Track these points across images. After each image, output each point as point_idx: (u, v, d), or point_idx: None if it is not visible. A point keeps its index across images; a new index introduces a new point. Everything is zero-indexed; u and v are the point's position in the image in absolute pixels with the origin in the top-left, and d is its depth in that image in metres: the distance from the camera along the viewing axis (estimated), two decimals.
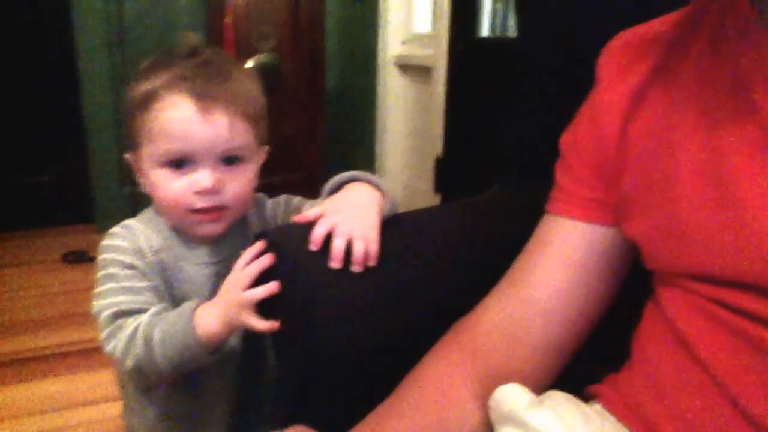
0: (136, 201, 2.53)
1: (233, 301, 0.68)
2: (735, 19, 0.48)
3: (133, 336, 0.69)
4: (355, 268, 0.66)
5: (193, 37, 0.76)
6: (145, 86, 0.73)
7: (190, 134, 0.71)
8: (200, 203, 0.73)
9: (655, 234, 0.54)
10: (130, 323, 0.70)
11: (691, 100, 0.51)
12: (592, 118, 0.60)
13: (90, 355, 1.78)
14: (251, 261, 0.69)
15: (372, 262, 0.67)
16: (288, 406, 0.75)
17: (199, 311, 0.69)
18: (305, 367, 0.69)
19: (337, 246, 0.66)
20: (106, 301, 0.72)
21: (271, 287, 0.68)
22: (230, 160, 0.74)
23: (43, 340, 1.86)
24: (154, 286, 0.74)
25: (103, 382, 1.65)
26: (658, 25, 0.58)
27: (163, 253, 0.76)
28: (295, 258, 0.68)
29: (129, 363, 0.70)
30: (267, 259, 0.69)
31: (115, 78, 2.62)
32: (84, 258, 2.44)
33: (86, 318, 1.96)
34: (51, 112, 2.74)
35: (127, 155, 0.79)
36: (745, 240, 0.45)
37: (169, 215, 0.76)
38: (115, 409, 1.53)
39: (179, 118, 0.71)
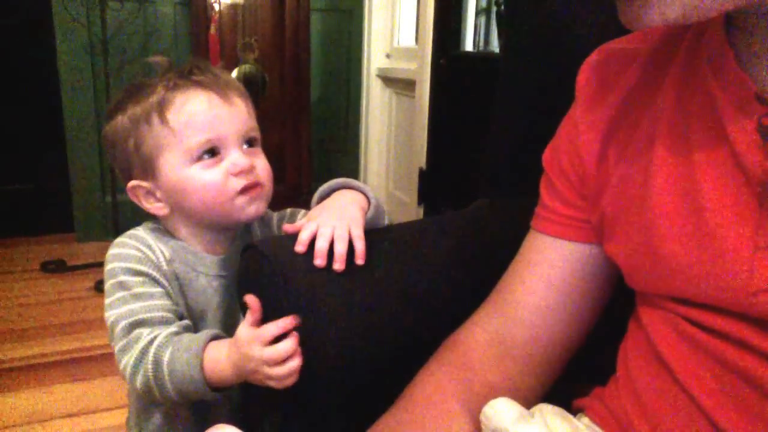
0: (116, 210, 2.52)
1: (252, 358, 0.62)
2: (708, 46, 0.49)
3: (144, 353, 0.67)
4: (336, 266, 0.68)
5: (163, 59, 0.78)
6: (149, 99, 0.73)
7: (218, 120, 0.72)
8: (242, 182, 0.73)
9: (633, 256, 0.55)
10: (145, 336, 0.68)
11: (667, 125, 0.52)
12: (572, 138, 0.61)
13: (70, 366, 1.76)
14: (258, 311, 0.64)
15: (360, 261, 0.69)
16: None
17: (212, 349, 0.66)
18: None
19: (319, 245, 0.68)
20: (118, 310, 0.70)
21: (291, 343, 0.62)
22: (250, 142, 0.77)
23: (22, 350, 1.83)
24: (167, 292, 0.73)
25: (83, 393, 1.63)
26: (637, 42, 0.59)
27: (175, 263, 0.76)
28: (284, 268, 0.68)
29: (138, 381, 0.68)
30: (290, 321, 0.63)
31: (97, 86, 2.61)
32: (63, 267, 2.42)
33: (66, 328, 1.95)
34: (31, 119, 2.71)
35: (133, 183, 0.76)
36: (719, 268, 0.46)
37: (211, 210, 0.74)
38: (95, 421, 1.52)
39: (205, 107, 0.72)
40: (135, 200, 0.78)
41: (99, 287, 2.21)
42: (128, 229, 0.79)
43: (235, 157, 0.73)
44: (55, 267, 2.42)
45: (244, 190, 0.74)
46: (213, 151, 0.73)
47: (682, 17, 0.41)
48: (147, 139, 0.73)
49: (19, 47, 2.64)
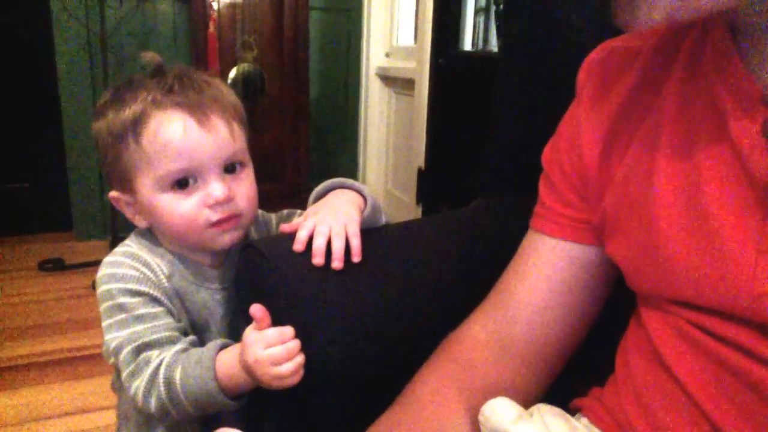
0: (114, 209, 2.50)
1: (257, 359, 0.63)
2: (713, 46, 0.49)
3: (154, 376, 0.66)
4: (335, 264, 0.68)
5: (155, 57, 0.74)
6: (126, 112, 0.69)
7: (194, 148, 0.68)
8: (216, 215, 0.70)
9: (634, 257, 0.54)
10: (154, 359, 0.66)
11: (669, 125, 0.51)
12: (573, 137, 0.61)
13: (67, 364, 1.76)
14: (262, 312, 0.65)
15: (357, 258, 0.69)
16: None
17: (223, 357, 0.66)
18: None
19: (317, 244, 0.68)
20: (121, 333, 0.68)
21: (294, 344, 0.64)
22: (232, 167, 0.72)
23: (19, 348, 1.83)
24: (169, 310, 0.71)
25: (81, 392, 1.63)
26: (639, 40, 0.58)
27: (174, 278, 0.73)
28: (282, 266, 0.68)
29: (152, 405, 0.66)
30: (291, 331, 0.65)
31: (96, 85, 2.60)
32: (61, 266, 2.41)
33: (64, 327, 1.95)
34: (29, 118, 2.70)
35: (113, 194, 0.75)
36: (721, 270, 0.45)
37: (183, 238, 0.73)
38: (92, 420, 1.52)
39: (180, 133, 0.68)
40: (117, 207, 0.76)
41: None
42: (126, 227, 0.78)
43: (212, 188, 0.69)
44: (53, 265, 2.41)
45: (217, 223, 0.71)
46: (185, 182, 0.69)
47: (667, 18, 0.41)
48: (123, 156, 0.70)
49: (18, 45, 2.63)
